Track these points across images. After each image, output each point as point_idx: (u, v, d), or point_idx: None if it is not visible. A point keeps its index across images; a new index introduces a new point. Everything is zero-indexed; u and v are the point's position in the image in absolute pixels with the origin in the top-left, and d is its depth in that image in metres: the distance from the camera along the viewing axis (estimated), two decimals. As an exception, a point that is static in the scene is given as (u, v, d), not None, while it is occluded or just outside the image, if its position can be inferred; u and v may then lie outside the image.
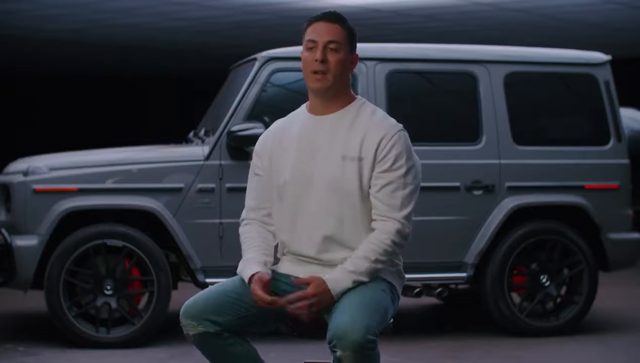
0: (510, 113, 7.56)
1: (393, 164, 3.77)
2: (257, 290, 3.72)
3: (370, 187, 3.79)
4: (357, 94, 4.10)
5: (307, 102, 3.96)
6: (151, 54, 18.11)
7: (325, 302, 3.70)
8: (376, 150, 3.78)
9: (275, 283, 3.87)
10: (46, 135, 22.05)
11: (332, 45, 3.80)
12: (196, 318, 3.74)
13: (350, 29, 3.87)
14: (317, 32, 3.82)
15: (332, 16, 3.85)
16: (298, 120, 3.94)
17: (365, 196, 3.80)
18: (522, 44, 15.25)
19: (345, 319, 3.54)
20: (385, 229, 3.77)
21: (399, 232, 3.77)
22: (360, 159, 3.79)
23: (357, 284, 3.72)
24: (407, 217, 3.79)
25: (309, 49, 3.83)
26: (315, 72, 3.80)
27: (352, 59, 3.87)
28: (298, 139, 3.88)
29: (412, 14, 13.72)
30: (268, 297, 3.71)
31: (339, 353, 3.52)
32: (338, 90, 3.85)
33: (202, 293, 3.80)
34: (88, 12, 13.51)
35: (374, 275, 3.77)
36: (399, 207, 3.77)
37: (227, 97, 7.52)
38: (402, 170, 3.78)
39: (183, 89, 22.49)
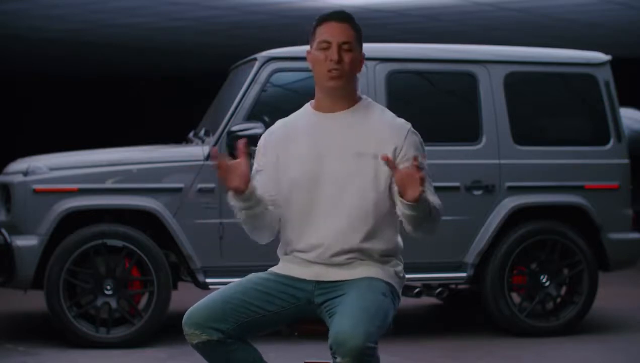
0: (510, 113, 7.55)
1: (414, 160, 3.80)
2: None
3: (390, 183, 3.80)
4: (357, 94, 4.11)
5: (311, 102, 3.96)
6: (151, 54, 18.11)
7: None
8: (394, 151, 3.81)
9: (276, 285, 3.86)
10: (46, 135, 22.04)
11: (345, 46, 3.85)
12: (200, 327, 3.72)
13: (358, 28, 3.93)
14: (331, 33, 3.85)
15: (343, 16, 3.89)
16: (304, 118, 3.94)
17: (379, 193, 3.81)
18: (522, 44, 15.22)
19: (345, 325, 3.53)
20: None
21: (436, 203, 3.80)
22: (376, 156, 3.80)
23: (426, 206, 3.69)
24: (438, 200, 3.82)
25: (323, 49, 3.85)
26: (330, 71, 3.81)
27: (360, 58, 3.92)
28: (307, 137, 3.88)
29: (412, 14, 13.72)
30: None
31: (338, 359, 3.52)
32: (350, 88, 3.89)
33: (204, 301, 3.78)
34: (88, 12, 13.51)
35: (430, 215, 3.74)
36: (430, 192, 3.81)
37: (227, 97, 7.52)
38: (424, 164, 3.81)
39: (183, 89, 22.48)
